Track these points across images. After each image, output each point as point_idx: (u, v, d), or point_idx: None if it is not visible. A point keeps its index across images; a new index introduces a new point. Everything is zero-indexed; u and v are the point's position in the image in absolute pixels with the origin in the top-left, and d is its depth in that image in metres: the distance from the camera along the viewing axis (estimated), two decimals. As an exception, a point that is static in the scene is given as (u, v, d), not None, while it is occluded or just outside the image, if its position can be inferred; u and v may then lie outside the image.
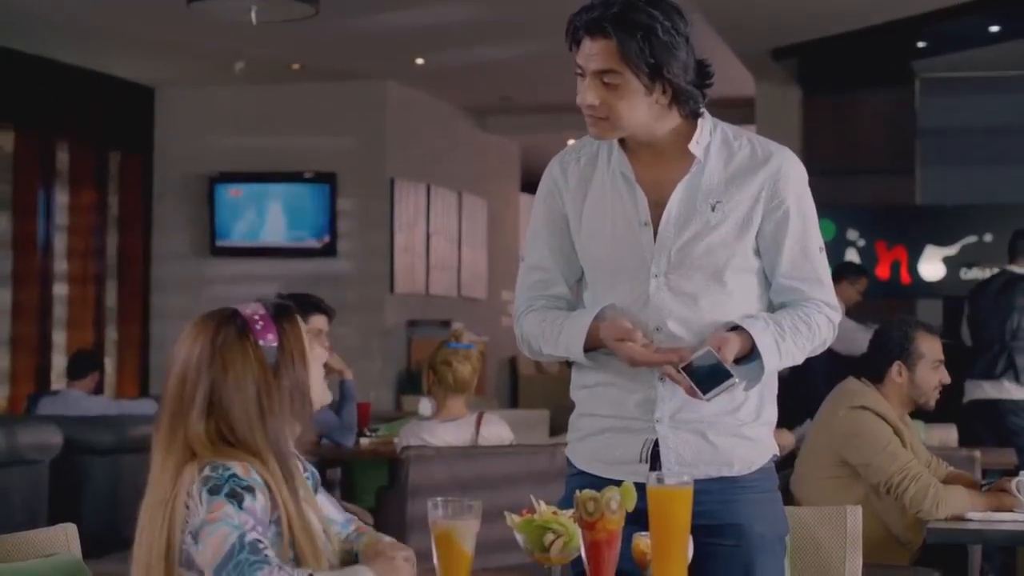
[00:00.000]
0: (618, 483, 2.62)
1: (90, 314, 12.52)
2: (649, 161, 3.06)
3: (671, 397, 3.00)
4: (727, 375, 2.88)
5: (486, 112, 14.75)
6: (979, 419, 8.26)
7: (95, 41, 11.25)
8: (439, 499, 2.56)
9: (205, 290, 12.88)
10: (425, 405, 6.04)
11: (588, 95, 2.99)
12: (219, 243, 12.98)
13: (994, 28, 10.46)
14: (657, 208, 3.02)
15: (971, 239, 11.11)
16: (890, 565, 4.72)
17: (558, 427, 10.35)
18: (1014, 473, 4.70)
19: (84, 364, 9.80)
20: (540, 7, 9.30)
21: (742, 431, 3.05)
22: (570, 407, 3.24)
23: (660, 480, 2.55)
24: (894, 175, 11.63)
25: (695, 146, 3.02)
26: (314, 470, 2.80)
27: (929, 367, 4.90)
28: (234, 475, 2.48)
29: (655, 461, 3.02)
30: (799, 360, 3.03)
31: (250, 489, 2.48)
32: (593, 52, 2.93)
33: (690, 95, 2.97)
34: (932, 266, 11.36)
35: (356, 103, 12.89)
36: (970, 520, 4.47)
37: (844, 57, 11.20)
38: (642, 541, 2.69)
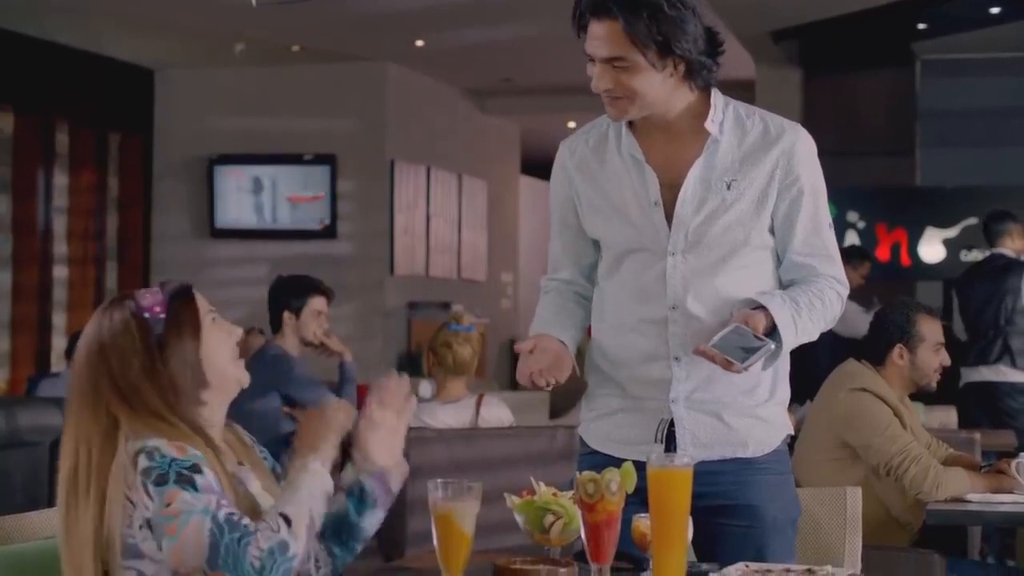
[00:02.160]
0: (633, 463, 2.62)
1: (90, 296, 12.51)
2: (661, 141, 3.05)
3: (686, 378, 3.02)
4: (761, 343, 2.88)
5: (486, 94, 14.73)
6: (975, 401, 8.27)
7: (95, 23, 11.24)
8: (439, 481, 2.56)
9: (205, 272, 12.88)
10: (425, 387, 6.04)
11: (601, 81, 2.97)
12: (219, 225, 12.98)
13: (995, 9, 10.44)
14: (671, 188, 3.03)
15: (971, 221, 11.09)
16: (890, 546, 4.73)
17: (557, 409, 10.35)
18: (1013, 455, 4.71)
19: (84, 346, 9.81)
20: (540, -12, 9.30)
21: (757, 412, 3.07)
22: (581, 388, 3.25)
23: (660, 462, 2.55)
24: (894, 157, 11.62)
25: (711, 124, 3.02)
26: (271, 459, 2.79)
27: (930, 350, 4.90)
28: (173, 459, 2.46)
29: (670, 442, 3.04)
30: (814, 336, 3.04)
31: (195, 468, 2.47)
32: (600, 36, 2.92)
33: (703, 65, 2.97)
34: (932, 248, 11.36)
35: (356, 85, 12.88)
36: (969, 501, 4.48)
37: (844, 39, 11.19)
38: (642, 523, 2.69)
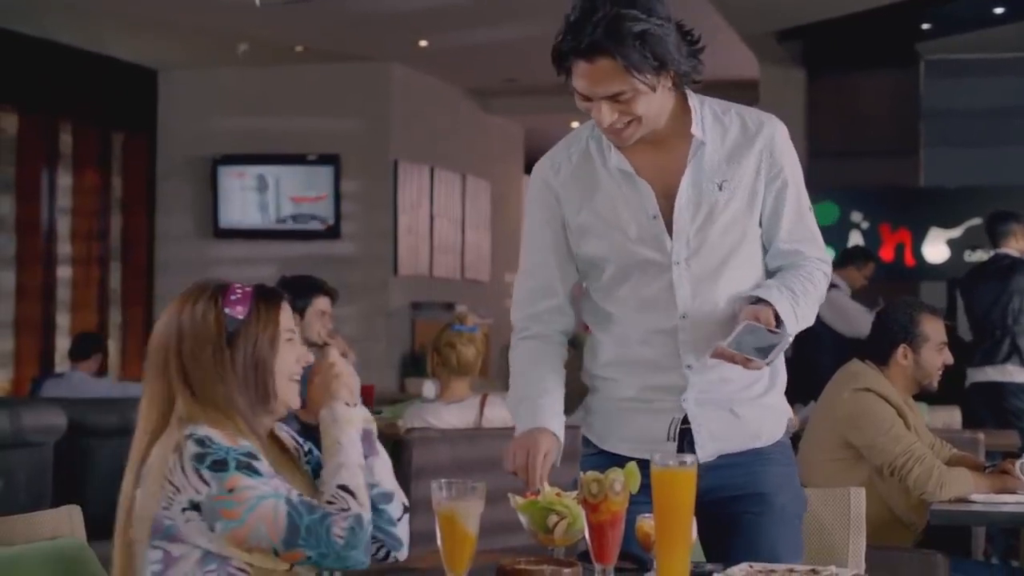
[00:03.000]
0: (643, 462, 2.62)
1: (94, 296, 12.53)
2: (647, 151, 3.02)
3: (700, 383, 3.02)
4: (776, 335, 2.87)
5: (490, 94, 14.74)
6: (981, 401, 8.26)
7: (98, 23, 11.24)
8: (443, 481, 2.56)
9: (209, 272, 12.86)
10: (429, 387, 6.04)
11: (605, 117, 2.93)
12: (223, 225, 12.99)
13: (998, 10, 10.44)
14: (665, 198, 3.00)
15: (975, 221, 11.07)
16: (894, 547, 4.72)
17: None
18: (1017, 455, 4.71)
19: (87, 345, 9.82)
20: (544, -11, 9.28)
21: (763, 401, 3.08)
22: (579, 387, 3.24)
23: (664, 462, 2.54)
24: (898, 157, 11.61)
25: (696, 128, 3.00)
26: (318, 454, 2.81)
27: (934, 349, 4.89)
28: (230, 447, 2.53)
29: (682, 439, 3.03)
30: (811, 321, 3.03)
31: (252, 455, 2.54)
32: (594, 76, 2.87)
33: (691, 68, 2.96)
34: (936, 248, 11.34)
35: (360, 85, 12.88)
36: (974, 502, 4.47)
37: (848, 39, 11.18)
38: (646, 523, 2.69)
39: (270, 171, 12.89)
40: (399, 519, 2.69)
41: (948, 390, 5.57)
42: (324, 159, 12.81)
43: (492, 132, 15.25)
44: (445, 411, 5.66)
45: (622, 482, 2.55)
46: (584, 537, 2.61)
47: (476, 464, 5.21)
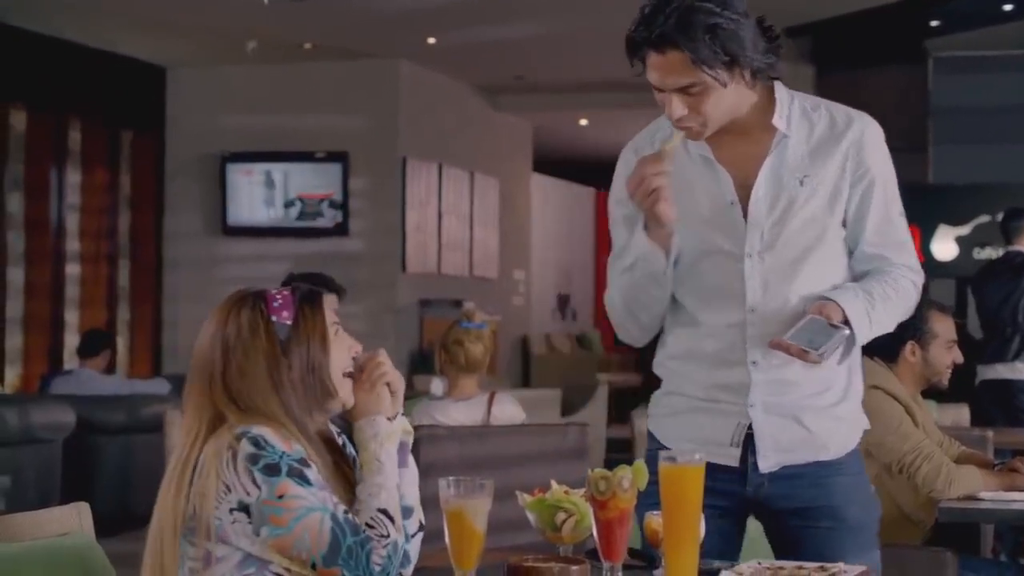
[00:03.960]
0: (706, 464, 2.60)
1: (102, 294, 12.55)
2: (729, 139, 2.98)
3: (764, 383, 2.97)
4: (836, 330, 2.84)
5: (498, 91, 14.73)
6: (990, 398, 8.26)
7: (107, 21, 11.26)
8: (451, 478, 2.56)
9: (217, 270, 12.90)
10: (437, 385, 6.04)
11: (676, 109, 2.89)
12: (231, 222, 12.99)
13: (1007, 7, 10.43)
14: (743, 187, 2.97)
15: (984, 218, 11.08)
16: (902, 544, 4.72)
17: (570, 406, 10.36)
18: (1027, 453, 4.70)
19: (96, 342, 9.84)
20: (552, -14, 9.29)
21: (835, 412, 3.02)
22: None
23: (671, 458, 2.54)
24: (906, 154, 11.55)
25: (779, 120, 2.96)
26: (351, 447, 2.80)
27: (943, 347, 4.89)
28: (284, 452, 2.50)
29: (747, 445, 2.99)
30: (889, 328, 3.00)
31: (304, 462, 2.52)
32: (665, 68, 2.84)
33: (767, 65, 2.92)
34: (945, 245, 11.34)
35: (368, 82, 12.89)
36: (982, 499, 4.46)
37: (857, 35, 11.18)
38: (654, 520, 2.69)
39: (278, 168, 12.89)
40: (413, 535, 2.68)
41: (957, 387, 5.56)
42: (332, 156, 12.81)
43: (500, 129, 15.24)
44: (453, 408, 5.66)
45: (630, 479, 2.55)
46: (592, 534, 2.61)
47: (484, 461, 5.21)
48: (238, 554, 2.52)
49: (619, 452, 8.68)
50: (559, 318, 18.73)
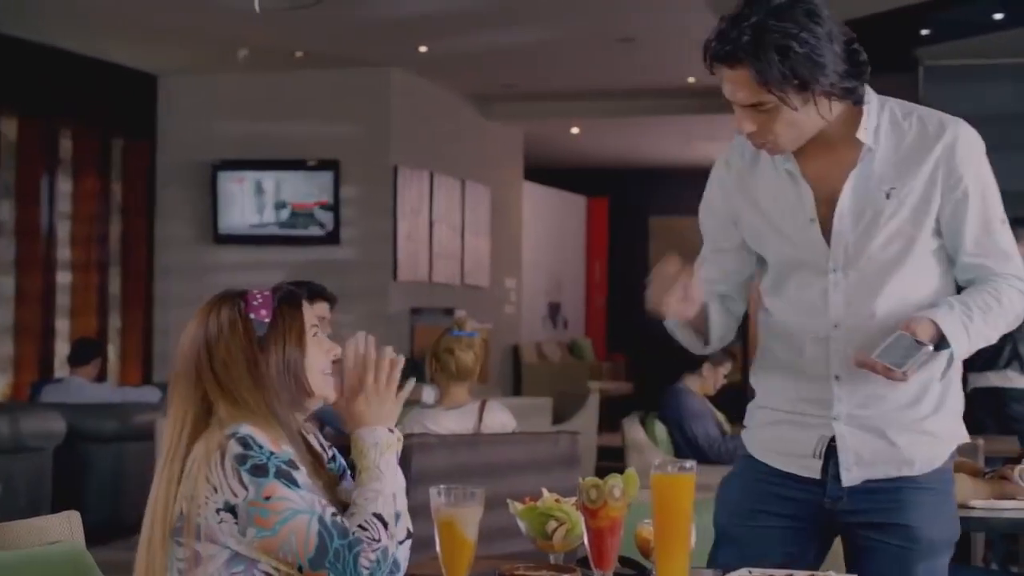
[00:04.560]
0: (788, 475, 2.60)
1: (93, 301, 12.52)
2: (815, 153, 2.93)
3: (848, 397, 2.94)
4: (920, 347, 2.78)
5: (490, 99, 14.74)
6: (981, 406, 8.26)
7: (98, 28, 11.25)
8: (442, 486, 2.56)
9: (208, 277, 12.88)
10: (428, 393, 6.03)
11: (744, 124, 2.84)
12: (222, 231, 12.98)
13: (998, 16, 10.44)
14: (827, 202, 2.92)
15: (975, 227, 11.06)
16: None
17: (561, 414, 10.36)
18: (1017, 461, 4.70)
19: (86, 351, 9.83)
20: (543, -6, 9.30)
21: (923, 426, 2.97)
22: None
23: (663, 467, 2.54)
24: (898, 163, 11.60)
25: (863, 133, 2.90)
26: (341, 460, 2.81)
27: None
28: (272, 453, 2.52)
29: (829, 458, 2.96)
30: (993, 339, 2.93)
31: (293, 464, 2.54)
32: (735, 82, 2.79)
33: (848, 90, 2.84)
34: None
35: (359, 91, 12.89)
36: (973, 507, 4.46)
37: (848, 44, 11.17)
38: (645, 528, 2.69)
39: (270, 177, 12.89)
40: (401, 542, 2.67)
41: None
42: (324, 165, 12.81)
43: (492, 138, 15.25)
44: (444, 416, 5.66)
45: (621, 488, 2.55)
46: (583, 543, 2.61)
47: (475, 470, 5.21)
48: (226, 553, 2.53)
49: (610, 460, 8.69)
50: (550, 326, 18.74)
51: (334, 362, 2.74)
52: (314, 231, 12.84)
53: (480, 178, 14.79)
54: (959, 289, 2.99)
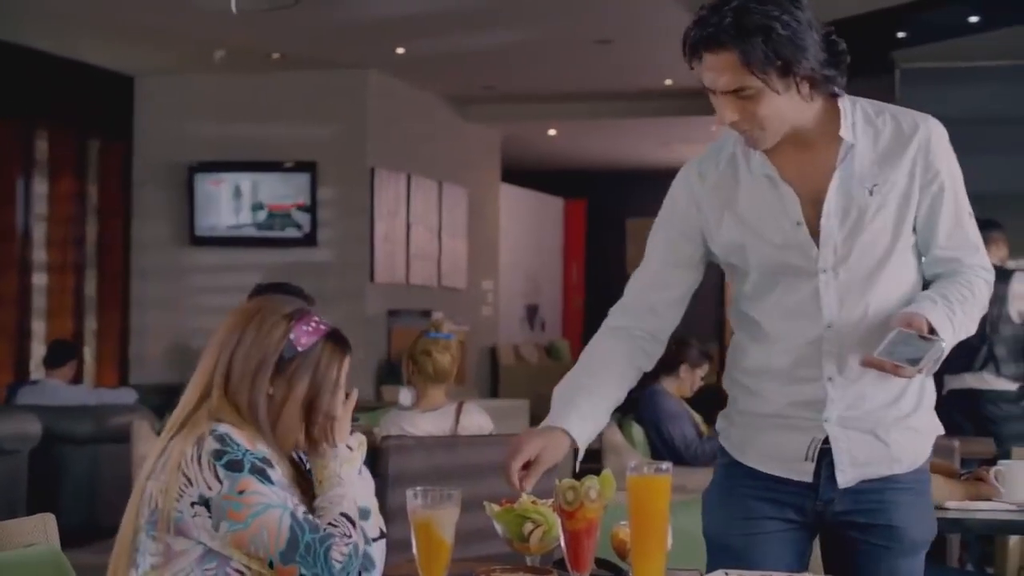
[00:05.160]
0: (779, 480, 2.59)
1: (69, 303, 12.49)
2: (793, 155, 2.92)
3: (840, 397, 2.93)
4: (930, 342, 2.76)
5: (467, 101, 14.74)
6: (957, 408, 8.28)
7: (75, 29, 11.22)
8: (419, 488, 2.56)
9: (185, 279, 12.87)
10: (405, 395, 6.03)
11: (726, 113, 2.82)
12: (199, 232, 12.96)
13: (973, 18, 10.48)
14: (812, 203, 2.91)
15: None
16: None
17: (538, 416, 10.36)
18: (992, 462, 4.71)
19: (62, 353, 9.79)
20: (521, -4, 9.30)
21: (908, 423, 2.98)
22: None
23: (639, 469, 2.54)
24: (874, 165, 11.64)
25: (846, 130, 2.90)
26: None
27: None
28: (248, 450, 2.55)
29: (821, 460, 2.95)
30: (972, 331, 2.94)
31: (267, 462, 2.56)
32: (717, 68, 2.77)
33: (827, 79, 2.85)
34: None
35: (337, 92, 12.88)
36: (948, 509, 4.47)
37: (825, 47, 11.19)
38: (621, 530, 2.69)
39: (247, 178, 12.87)
40: (375, 539, 2.68)
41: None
42: (301, 166, 12.80)
43: (469, 139, 15.25)
44: (421, 419, 5.66)
45: (597, 490, 2.55)
46: (560, 545, 2.61)
47: (452, 472, 5.21)
48: (198, 549, 2.54)
49: (587, 462, 8.69)
50: (527, 328, 18.74)
51: None
52: (291, 233, 12.82)
53: (457, 180, 14.79)
54: (926, 283, 3.01)
